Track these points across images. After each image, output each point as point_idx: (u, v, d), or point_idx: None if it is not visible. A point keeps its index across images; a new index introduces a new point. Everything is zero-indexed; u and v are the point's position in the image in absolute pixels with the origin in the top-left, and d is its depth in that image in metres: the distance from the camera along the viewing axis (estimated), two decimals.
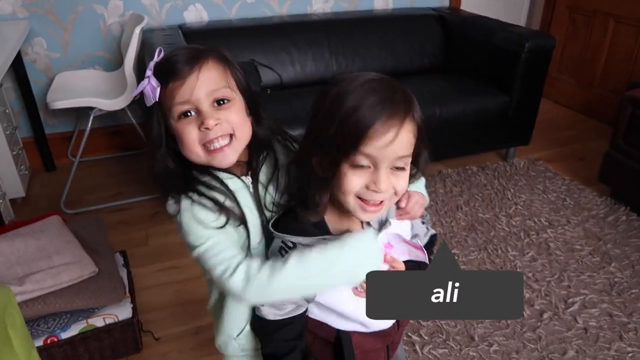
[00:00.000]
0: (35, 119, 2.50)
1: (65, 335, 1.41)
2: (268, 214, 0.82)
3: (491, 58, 2.52)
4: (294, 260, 0.73)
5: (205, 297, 1.84)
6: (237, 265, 0.74)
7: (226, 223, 0.77)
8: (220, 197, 0.77)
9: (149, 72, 0.73)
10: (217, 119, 0.74)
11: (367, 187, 0.69)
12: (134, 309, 1.52)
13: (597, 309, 1.70)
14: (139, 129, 2.45)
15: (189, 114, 0.74)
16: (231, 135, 0.76)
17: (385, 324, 0.86)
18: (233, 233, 0.78)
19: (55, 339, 1.39)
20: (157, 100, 0.73)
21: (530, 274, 1.86)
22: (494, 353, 1.54)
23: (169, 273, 1.87)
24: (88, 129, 2.23)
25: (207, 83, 0.73)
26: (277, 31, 2.57)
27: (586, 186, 2.43)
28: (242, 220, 0.78)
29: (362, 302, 0.81)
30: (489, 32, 2.53)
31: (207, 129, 0.73)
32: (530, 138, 2.61)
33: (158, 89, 0.73)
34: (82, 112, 2.52)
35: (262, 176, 0.83)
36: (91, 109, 2.20)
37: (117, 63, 2.56)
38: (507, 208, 2.26)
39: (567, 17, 3.28)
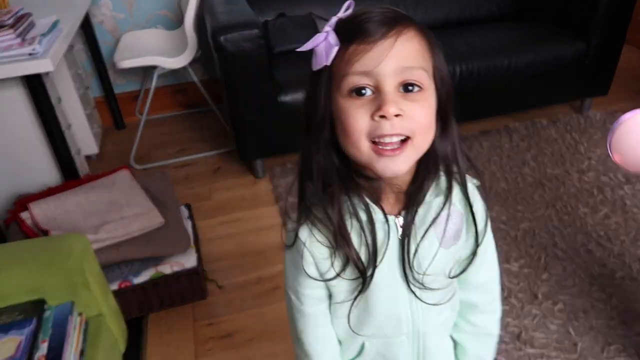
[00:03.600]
0: (105, 79, 2.61)
1: (137, 280, 1.50)
2: (413, 277, 0.64)
3: (567, 2, 2.32)
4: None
5: (265, 248, 1.88)
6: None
7: (337, 276, 0.63)
8: (356, 228, 0.62)
9: (328, 28, 0.57)
10: (401, 109, 0.54)
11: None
12: (199, 259, 1.59)
13: None
14: (201, 86, 2.50)
15: (363, 91, 0.55)
16: (407, 139, 0.55)
17: None
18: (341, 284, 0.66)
19: (129, 284, 1.49)
20: (329, 63, 0.56)
21: (602, 232, 1.75)
22: (558, 312, 1.49)
23: (231, 226, 1.94)
24: (152, 87, 2.30)
25: (402, 57, 0.54)
26: None
27: None
28: (363, 274, 0.62)
29: None
30: None
31: (383, 117, 0.53)
32: (609, 88, 2.41)
33: (335, 49, 0.55)
34: (147, 71, 2.60)
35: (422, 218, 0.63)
36: (155, 67, 2.27)
37: (178, 22, 2.60)
38: (579, 163, 2.12)
39: None
